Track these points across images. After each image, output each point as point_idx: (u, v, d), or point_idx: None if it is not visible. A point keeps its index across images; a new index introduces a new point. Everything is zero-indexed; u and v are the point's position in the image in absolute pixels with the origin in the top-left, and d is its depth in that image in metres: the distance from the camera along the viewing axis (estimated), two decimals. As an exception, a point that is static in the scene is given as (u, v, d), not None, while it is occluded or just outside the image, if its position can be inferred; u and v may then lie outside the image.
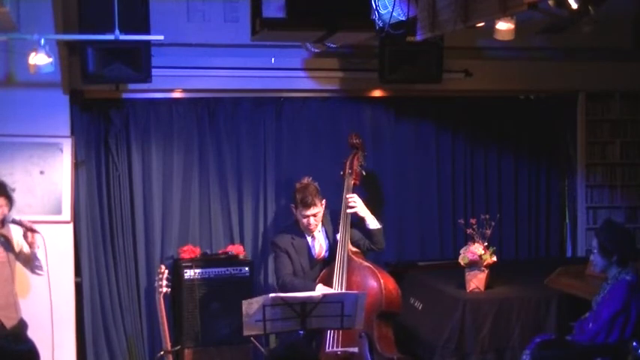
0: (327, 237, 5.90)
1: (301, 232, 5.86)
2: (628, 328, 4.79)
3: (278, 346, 5.56)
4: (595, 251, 4.98)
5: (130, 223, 6.63)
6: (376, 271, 5.65)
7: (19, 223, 5.30)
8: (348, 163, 5.99)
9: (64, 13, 6.12)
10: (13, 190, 5.47)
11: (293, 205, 5.87)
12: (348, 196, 5.82)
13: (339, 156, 6.39)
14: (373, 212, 5.94)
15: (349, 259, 5.66)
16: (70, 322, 6.30)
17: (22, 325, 5.35)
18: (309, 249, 5.86)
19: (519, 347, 5.39)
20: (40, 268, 5.46)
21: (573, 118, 7.38)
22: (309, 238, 5.86)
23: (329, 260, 5.83)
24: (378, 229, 5.88)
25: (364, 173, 6.06)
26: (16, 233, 5.37)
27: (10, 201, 5.35)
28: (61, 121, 6.27)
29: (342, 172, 5.99)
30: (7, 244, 5.33)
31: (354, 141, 6.08)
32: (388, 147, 7.09)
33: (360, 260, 5.70)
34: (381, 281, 5.58)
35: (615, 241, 4.90)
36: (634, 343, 4.71)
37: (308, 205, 5.72)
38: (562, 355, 4.94)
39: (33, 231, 5.28)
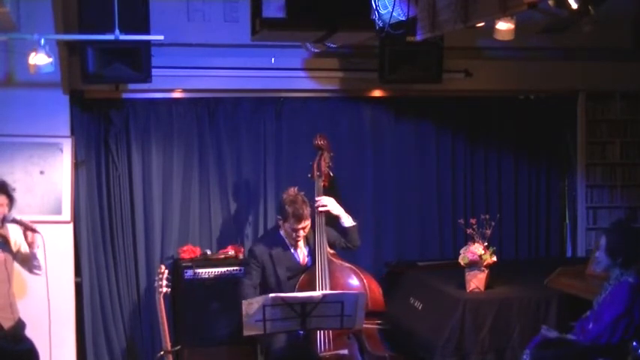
0: (308, 243, 5.88)
1: (282, 241, 5.80)
2: (630, 331, 4.77)
3: (279, 347, 5.56)
4: (601, 249, 4.96)
5: (130, 223, 6.63)
6: (358, 271, 5.69)
7: (19, 223, 5.28)
8: (315, 166, 5.94)
9: (64, 13, 6.12)
10: (14, 189, 5.46)
11: (280, 217, 5.80)
12: (317, 198, 5.80)
13: (339, 156, 6.38)
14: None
15: (329, 262, 5.66)
16: (70, 322, 6.30)
17: (19, 326, 5.35)
18: (290, 258, 5.79)
19: (519, 347, 5.38)
20: (38, 268, 5.42)
21: (573, 118, 7.38)
22: (291, 248, 5.82)
23: (309, 266, 5.81)
24: (352, 226, 5.89)
25: (332, 174, 6.04)
26: (15, 233, 5.35)
27: (10, 200, 5.33)
28: (61, 121, 6.27)
29: (310, 175, 5.96)
30: (5, 245, 5.32)
31: (319, 142, 6.03)
32: (388, 147, 7.09)
33: (340, 262, 5.72)
34: (364, 281, 5.61)
35: (624, 243, 4.87)
36: (634, 343, 4.70)
37: (301, 219, 5.65)
38: (562, 355, 4.94)
39: (33, 230, 5.27)
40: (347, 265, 5.71)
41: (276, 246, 5.78)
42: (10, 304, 5.32)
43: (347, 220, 5.88)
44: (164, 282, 5.42)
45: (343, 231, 5.87)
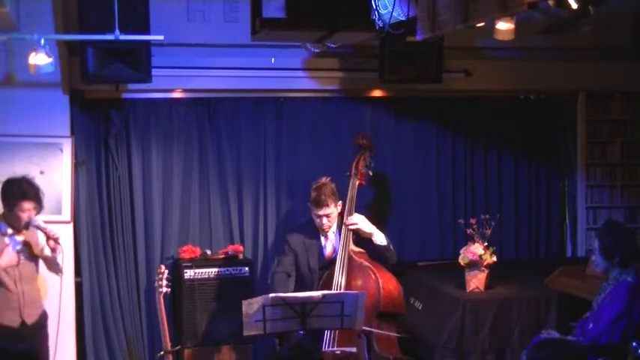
0: (340, 238, 5.85)
1: (315, 231, 5.79)
2: (630, 331, 4.75)
3: (283, 347, 5.55)
4: (596, 252, 4.96)
5: (130, 223, 6.63)
6: (375, 270, 5.57)
7: (43, 230, 5.33)
8: (354, 164, 5.93)
9: (64, 13, 6.12)
10: (43, 194, 5.50)
11: (309, 203, 5.79)
12: (348, 217, 5.72)
13: (339, 156, 6.39)
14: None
15: (349, 260, 5.63)
16: (70, 322, 6.30)
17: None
18: (320, 249, 5.80)
19: (519, 347, 5.39)
20: (61, 270, 5.52)
21: (573, 118, 7.38)
22: (322, 238, 5.81)
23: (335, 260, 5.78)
24: (386, 245, 5.74)
25: (371, 174, 6.00)
26: (41, 236, 5.43)
27: (39, 205, 5.38)
28: (61, 121, 6.27)
29: (347, 173, 5.96)
30: (26, 249, 5.38)
31: (361, 142, 6.00)
32: (388, 147, 7.08)
33: (361, 260, 5.64)
34: (380, 281, 5.52)
35: (617, 243, 4.86)
36: (634, 344, 4.70)
37: (320, 205, 5.64)
38: (560, 355, 4.93)
39: (53, 238, 5.32)
40: (366, 264, 5.60)
41: (308, 235, 5.79)
42: (31, 301, 5.37)
43: (379, 238, 5.72)
44: (164, 282, 5.43)
45: (376, 249, 5.72)
